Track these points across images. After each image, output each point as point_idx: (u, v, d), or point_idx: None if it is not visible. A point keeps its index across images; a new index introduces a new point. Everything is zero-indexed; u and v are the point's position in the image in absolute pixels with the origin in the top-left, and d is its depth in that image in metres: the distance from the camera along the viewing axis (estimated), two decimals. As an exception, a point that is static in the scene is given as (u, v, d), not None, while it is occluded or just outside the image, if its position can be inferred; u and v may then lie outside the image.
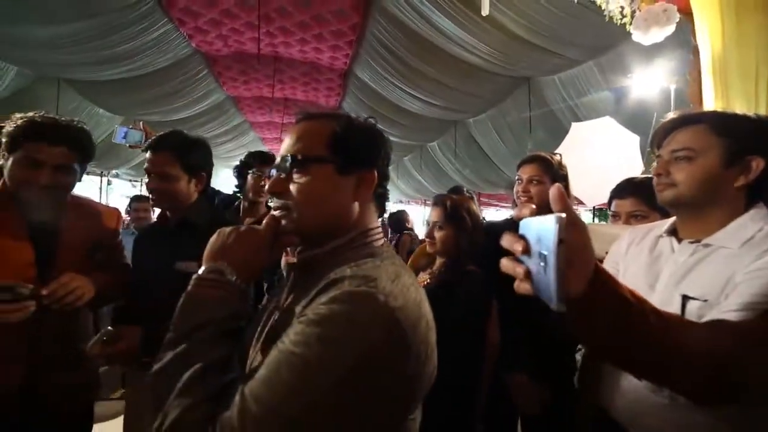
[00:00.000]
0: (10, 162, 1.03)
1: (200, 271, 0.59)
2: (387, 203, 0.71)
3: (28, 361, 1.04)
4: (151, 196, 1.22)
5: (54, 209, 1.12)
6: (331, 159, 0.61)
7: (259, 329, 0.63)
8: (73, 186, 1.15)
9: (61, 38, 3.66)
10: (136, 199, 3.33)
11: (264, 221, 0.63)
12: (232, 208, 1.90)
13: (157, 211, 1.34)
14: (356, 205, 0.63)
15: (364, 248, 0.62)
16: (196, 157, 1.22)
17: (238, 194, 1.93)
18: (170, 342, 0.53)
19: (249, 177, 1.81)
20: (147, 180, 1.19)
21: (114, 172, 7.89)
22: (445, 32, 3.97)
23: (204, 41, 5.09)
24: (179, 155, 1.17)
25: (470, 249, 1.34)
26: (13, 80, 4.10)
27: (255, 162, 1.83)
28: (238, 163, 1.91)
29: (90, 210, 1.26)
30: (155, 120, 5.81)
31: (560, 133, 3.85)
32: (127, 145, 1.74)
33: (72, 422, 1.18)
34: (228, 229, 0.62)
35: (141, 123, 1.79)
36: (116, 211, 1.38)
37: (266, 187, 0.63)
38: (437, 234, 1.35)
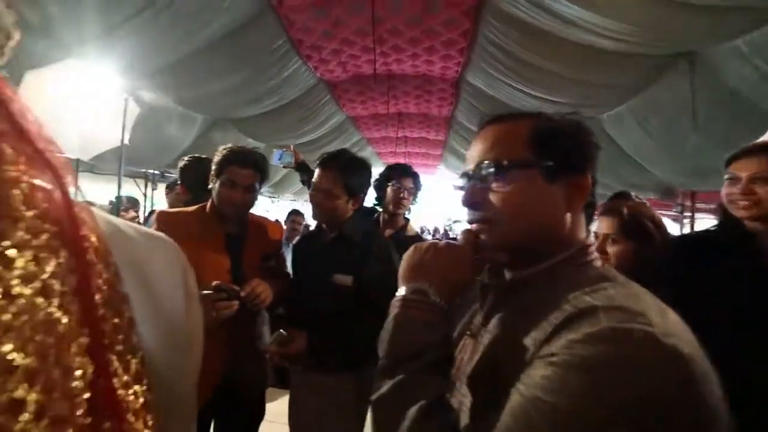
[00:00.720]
0: (217, 185, 1.26)
1: (403, 292, 0.55)
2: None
3: (228, 356, 1.22)
4: (312, 208, 1.35)
5: (243, 223, 1.33)
6: (537, 163, 0.53)
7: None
8: (253, 203, 1.34)
9: (228, 87, 4.58)
10: (294, 213, 4.00)
11: (460, 236, 0.59)
12: (372, 220, 1.99)
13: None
14: (569, 216, 0.54)
15: (587, 268, 0.51)
16: (357, 181, 1.31)
17: (377, 206, 2.01)
18: (385, 369, 0.50)
19: (388, 189, 1.87)
20: (312, 192, 1.32)
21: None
22: (569, 19, 3.52)
23: (327, 70, 5.68)
24: (343, 176, 1.27)
25: (658, 266, 1.09)
26: (200, 126, 5.35)
27: (394, 175, 1.88)
28: (377, 176, 2.00)
29: (262, 224, 1.46)
30: (288, 143, 6.70)
31: (748, 116, 3.00)
32: (281, 165, 2.01)
33: (251, 409, 1.36)
34: (425, 245, 0.59)
35: (292, 146, 2.06)
36: (280, 225, 1.57)
37: (462, 198, 0.59)
38: (610, 249, 1.14)
